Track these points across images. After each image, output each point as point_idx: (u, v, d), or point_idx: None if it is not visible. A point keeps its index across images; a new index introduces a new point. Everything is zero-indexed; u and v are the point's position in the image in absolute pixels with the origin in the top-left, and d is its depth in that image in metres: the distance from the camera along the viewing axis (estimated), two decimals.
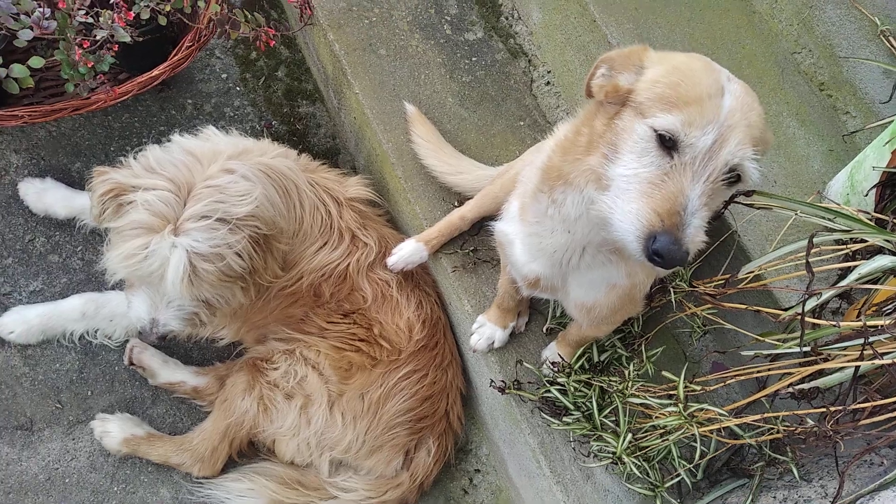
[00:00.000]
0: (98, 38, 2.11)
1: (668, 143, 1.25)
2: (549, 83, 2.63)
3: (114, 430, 2.17)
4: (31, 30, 2.05)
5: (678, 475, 1.96)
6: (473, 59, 2.64)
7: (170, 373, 2.28)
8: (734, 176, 1.27)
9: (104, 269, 1.90)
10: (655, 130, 1.25)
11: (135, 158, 1.92)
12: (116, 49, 2.14)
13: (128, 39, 2.12)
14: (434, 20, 2.69)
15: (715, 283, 1.83)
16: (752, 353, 1.80)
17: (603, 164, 1.32)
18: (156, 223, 1.76)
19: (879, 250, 1.64)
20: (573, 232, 1.51)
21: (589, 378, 2.07)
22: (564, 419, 2.06)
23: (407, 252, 2.20)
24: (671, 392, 1.95)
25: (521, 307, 2.20)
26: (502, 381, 2.14)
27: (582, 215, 1.44)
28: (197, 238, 1.76)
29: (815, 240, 1.56)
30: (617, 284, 1.64)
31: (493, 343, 2.18)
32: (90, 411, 2.22)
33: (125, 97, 2.29)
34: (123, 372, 2.30)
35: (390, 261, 2.20)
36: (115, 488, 2.16)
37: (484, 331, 2.17)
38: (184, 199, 1.80)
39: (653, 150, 1.26)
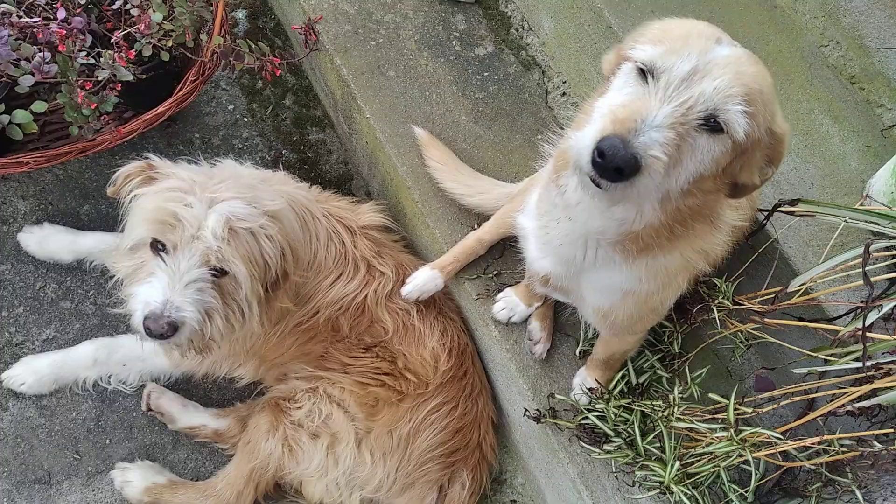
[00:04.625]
0: (100, 78, 2.06)
1: (646, 74, 1.18)
2: (564, 94, 2.54)
3: (135, 478, 2.10)
4: (33, 75, 2.00)
5: (729, 500, 1.85)
6: (485, 74, 2.56)
7: (189, 417, 2.21)
8: (715, 123, 1.15)
9: (123, 234, 1.81)
10: (635, 62, 1.19)
11: None
12: (119, 88, 2.09)
13: (130, 78, 2.08)
14: (442, 37, 2.60)
15: (761, 298, 1.71)
16: (805, 370, 1.69)
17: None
18: (193, 188, 1.72)
19: None
20: (574, 219, 1.44)
21: (629, 402, 1.96)
22: (605, 447, 1.96)
23: (421, 280, 2.12)
24: (716, 415, 1.84)
25: (545, 320, 2.11)
26: (537, 410, 2.03)
27: (582, 200, 1.37)
28: (234, 206, 1.72)
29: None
30: (631, 291, 1.55)
31: (512, 317, 2.13)
32: (109, 460, 2.15)
33: (131, 136, 2.24)
34: (142, 418, 2.22)
35: (404, 290, 2.12)
36: None
37: (508, 301, 2.12)
38: (218, 181, 1.77)
39: (632, 82, 1.21)
